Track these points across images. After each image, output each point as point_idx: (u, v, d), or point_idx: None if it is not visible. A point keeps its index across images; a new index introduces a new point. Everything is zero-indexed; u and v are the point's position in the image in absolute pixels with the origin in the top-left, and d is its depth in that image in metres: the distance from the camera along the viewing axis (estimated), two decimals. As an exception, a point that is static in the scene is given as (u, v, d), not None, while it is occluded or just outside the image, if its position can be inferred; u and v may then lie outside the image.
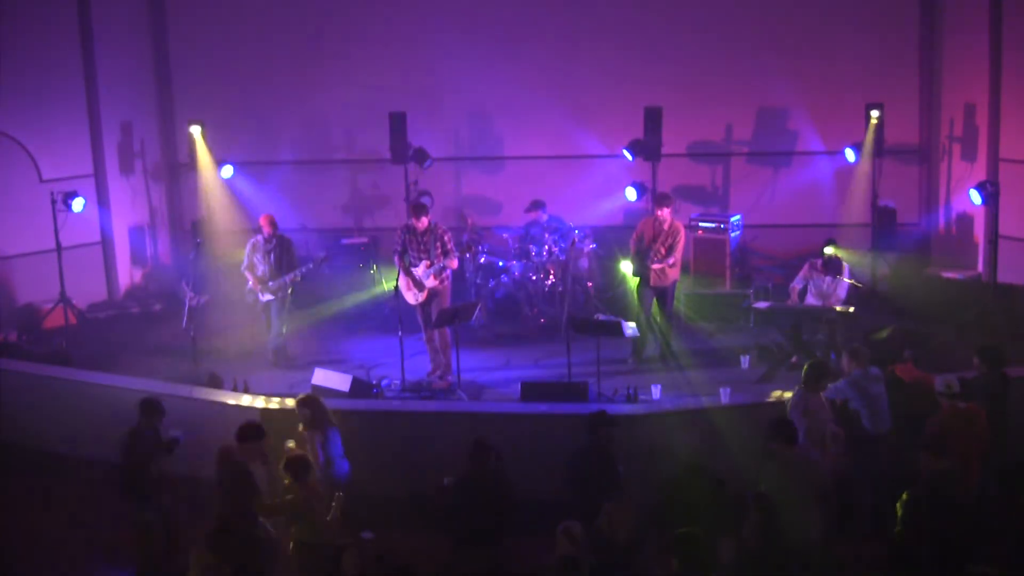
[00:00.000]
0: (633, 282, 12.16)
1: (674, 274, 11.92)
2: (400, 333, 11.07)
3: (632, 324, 11.39)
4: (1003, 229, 12.90)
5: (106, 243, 14.97)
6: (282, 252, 12.20)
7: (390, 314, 12.59)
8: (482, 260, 13.64)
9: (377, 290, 14.32)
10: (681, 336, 12.56)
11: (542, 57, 15.21)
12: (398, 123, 14.43)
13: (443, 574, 8.12)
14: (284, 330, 12.36)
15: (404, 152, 14.54)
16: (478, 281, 13.50)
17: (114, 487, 8.85)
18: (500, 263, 13.55)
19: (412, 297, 11.51)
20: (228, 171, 14.98)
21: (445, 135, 15.59)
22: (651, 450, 8.75)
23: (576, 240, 13.26)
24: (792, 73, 14.73)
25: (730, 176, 15.46)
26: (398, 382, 11.29)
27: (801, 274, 12.05)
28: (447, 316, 11.13)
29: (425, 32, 15.33)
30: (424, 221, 11.39)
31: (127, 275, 15.34)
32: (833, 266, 11.65)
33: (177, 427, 8.79)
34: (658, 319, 12.02)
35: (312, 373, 10.90)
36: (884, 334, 11.24)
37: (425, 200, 13.68)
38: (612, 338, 11.31)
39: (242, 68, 15.54)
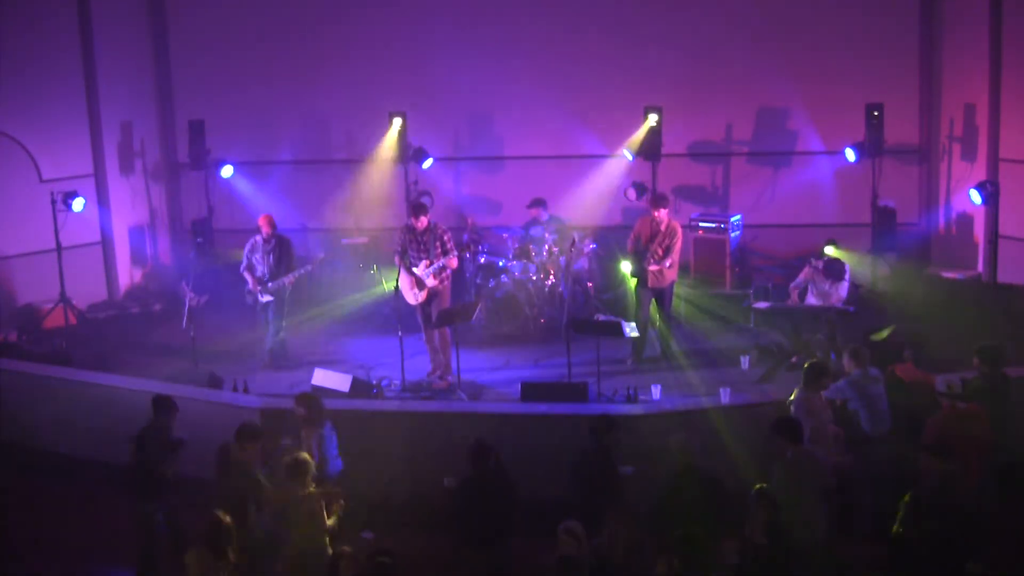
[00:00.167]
0: (633, 282, 12.16)
1: (672, 275, 11.91)
2: (400, 333, 11.07)
3: (632, 324, 11.40)
4: (1003, 229, 12.90)
5: (106, 243, 14.97)
6: (281, 253, 12.19)
7: (390, 314, 12.58)
8: (482, 260, 13.64)
9: (377, 290, 14.31)
10: (681, 336, 12.56)
11: (542, 57, 15.22)
12: (397, 123, 14.43)
13: (444, 575, 8.12)
14: (283, 332, 12.35)
15: (404, 152, 14.53)
16: (478, 281, 13.50)
17: (117, 487, 8.86)
18: (500, 263, 13.55)
19: (412, 297, 11.52)
20: (228, 171, 14.98)
21: (445, 135, 15.59)
22: (650, 450, 8.74)
23: (576, 240, 13.26)
24: (792, 73, 14.73)
25: (730, 176, 15.46)
26: (398, 382, 11.29)
27: (802, 274, 12.05)
28: (447, 316, 11.13)
29: (425, 32, 15.34)
30: (424, 221, 11.39)
31: (127, 275, 15.34)
32: (835, 271, 11.65)
33: (177, 427, 8.79)
34: (657, 320, 12.02)
35: (312, 373, 10.90)
36: (884, 334, 11.23)
37: (425, 200, 13.68)
38: (612, 338, 11.31)
39: (242, 68, 15.55)
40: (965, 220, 14.38)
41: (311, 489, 7.85)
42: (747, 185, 15.33)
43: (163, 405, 8.71)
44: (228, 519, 7.26)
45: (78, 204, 13.60)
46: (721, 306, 13.52)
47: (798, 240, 14.36)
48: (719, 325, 13.05)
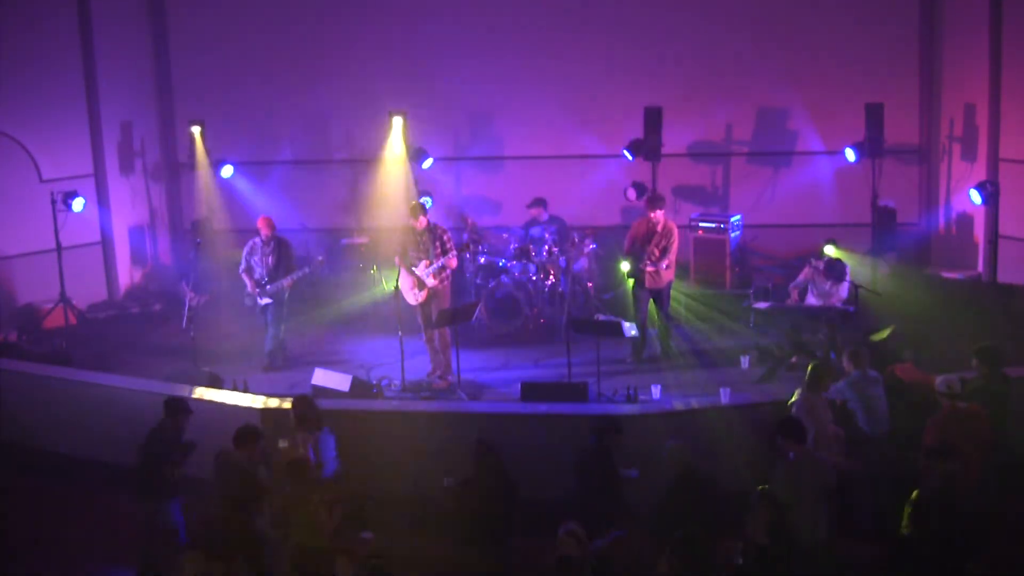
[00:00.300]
0: (630, 283, 12.16)
1: (669, 275, 11.91)
2: (400, 333, 11.07)
3: (632, 324, 11.39)
4: (1003, 229, 12.90)
5: (106, 243, 14.97)
6: (280, 254, 12.17)
7: (390, 314, 12.58)
8: (482, 260, 13.64)
9: (377, 290, 14.31)
10: (681, 336, 12.56)
11: (542, 57, 15.21)
12: (398, 123, 14.44)
13: (445, 575, 8.12)
14: (282, 333, 12.34)
15: (404, 152, 14.52)
16: (478, 281, 13.50)
17: (127, 488, 8.85)
18: (500, 263, 13.55)
19: (412, 297, 11.52)
20: (228, 171, 14.98)
21: (445, 135, 15.59)
22: (649, 451, 8.74)
23: (576, 240, 13.26)
24: (792, 73, 14.74)
25: (730, 176, 15.46)
26: (398, 382, 11.29)
27: (802, 274, 12.05)
28: (447, 316, 11.13)
29: (425, 32, 15.34)
30: (423, 221, 11.39)
31: (127, 275, 15.34)
32: (836, 272, 11.65)
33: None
34: (656, 321, 12.02)
35: (312, 373, 10.90)
36: (884, 334, 11.23)
37: (424, 201, 13.68)
38: (612, 338, 11.31)
39: (242, 68, 15.54)
40: (965, 220, 14.38)
41: (312, 490, 7.85)
42: (747, 185, 15.33)
43: (177, 408, 8.74)
44: (222, 521, 7.24)
45: (78, 204, 13.60)
46: (721, 306, 13.52)
47: (798, 240, 14.36)
48: (719, 325, 13.05)
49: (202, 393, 10.42)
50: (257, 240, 12.26)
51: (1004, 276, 12.84)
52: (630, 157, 14.53)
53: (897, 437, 8.91)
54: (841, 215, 14.67)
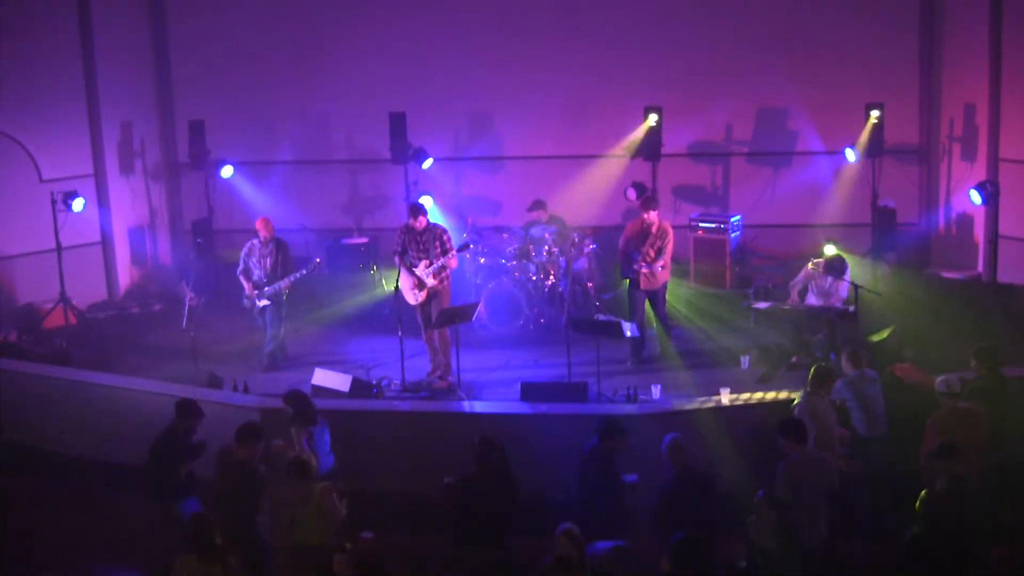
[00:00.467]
0: (625, 283, 12.16)
1: (664, 276, 11.90)
2: (400, 333, 11.07)
3: (632, 324, 11.39)
4: (1003, 229, 12.90)
5: (106, 243, 14.96)
6: (278, 256, 12.16)
7: (390, 314, 12.58)
8: (482, 260, 13.64)
9: (377, 290, 14.32)
10: (681, 336, 12.57)
11: (542, 57, 15.21)
12: (398, 123, 14.42)
13: (445, 574, 8.12)
14: (281, 334, 12.34)
15: (404, 152, 14.54)
16: (478, 281, 13.50)
17: (120, 487, 8.85)
18: (500, 263, 13.55)
19: (412, 297, 11.52)
20: (228, 171, 14.98)
21: (445, 135, 15.59)
22: (649, 450, 8.75)
23: (576, 240, 13.26)
24: (792, 73, 14.73)
25: (730, 176, 15.46)
26: (398, 382, 11.29)
27: (802, 273, 12.05)
28: (447, 316, 11.13)
29: (425, 32, 15.35)
30: (423, 221, 11.40)
31: (127, 275, 15.34)
32: (836, 267, 11.65)
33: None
34: (653, 322, 12.01)
35: (312, 373, 10.90)
36: (884, 334, 11.24)
37: (424, 203, 13.68)
38: (612, 338, 11.31)
39: (242, 68, 15.55)
40: (965, 220, 14.38)
41: (317, 486, 7.84)
42: (747, 185, 15.33)
43: (189, 410, 8.78)
44: (223, 518, 7.22)
45: (78, 204, 13.58)
46: (721, 306, 13.52)
47: (798, 240, 14.36)
48: (719, 325, 13.05)
49: (202, 393, 10.41)
50: (255, 241, 12.25)
51: (1004, 276, 12.84)
52: (630, 157, 14.52)
53: (897, 437, 8.91)
54: (841, 215, 14.66)
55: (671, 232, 11.89)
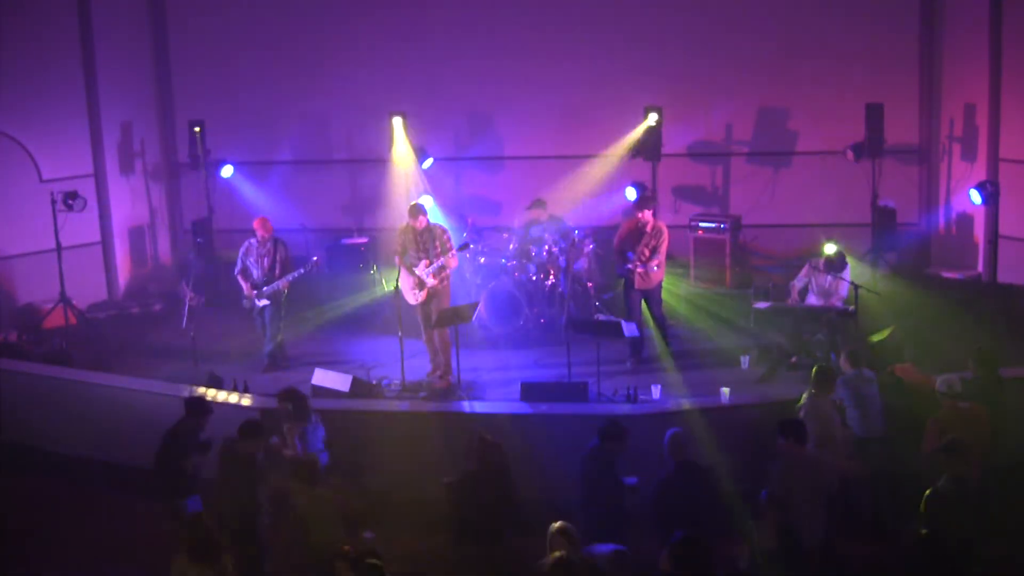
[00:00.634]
0: (621, 283, 12.16)
1: (659, 276, 11.88)
2: (400, 333, 11.07)
3: (632, 324, 11.39)
4: (1003, 229, 12.90)
5: (106, 243, 14.97)
6: (276, 256, 12.16)
7: (390, 314, 12.58)
8: (482, 260, 13.64)
9: (377, 290, 14.31)
10: (681, 336, 12.56)
11: (542, 57, 15.21)
12: (398, 123, 14.43)
13: (444, 574, 8.12)
14: (280, 335, 12.33)
15: (404, 152, 14.53)
16: (478, 281, 13.50)
17: (120, 487, 8.84)
18: (500, 263, 13.55)
19: (412, 297, 11.52)
20: (228, 171, 14.98)
21: (445, 135, 15.59)
22: (649, 450, 8.75)
23: (576, 240, 13.26)
24: (792, 73, 14.74)
25: (730, 176, 15.46)
26: (398, 382, 11.29)
27: (802, 273, 12.05)
28: (447, 316, 11.13)
29: (425, 32, 15.35)
30: (423, 221, 11.40)
31: (127, 275, 15.35)
32: (836, 264, 11.65)
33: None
34: (650, 322, 12.01)
35: (312, 373, 10.90)
36: (884, 334, 11.23)
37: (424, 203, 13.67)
38: (611, 338, 11.30)
39: (242, 68, 15.56)
40: (965, 220, 14.38)
41: (328, 490, 7.83)
42: (747, 185, 15.33)
43: (199, 408, 8.81)
44: (214, 518, 7.19)
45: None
46: (721, 306, 13.52)
47: (798, 240, 14.36)
48: (719, 325, 13.05)
49: (202, 393, 10.41)
50: (253, 241, 12.24)
51: (1004, 276, 12.83)
52: (630, 157, 14.53)
53: (897, 437, 8.91)
54: (841, 215, 14.66)
55: (666, 231, 11.88)
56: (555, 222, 14.00)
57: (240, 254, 12.26)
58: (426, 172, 14.96)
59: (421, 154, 14.72)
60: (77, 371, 11.40)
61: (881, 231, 13.96)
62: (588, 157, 15.31)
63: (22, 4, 13.88)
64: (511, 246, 13.71)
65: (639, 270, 11.69)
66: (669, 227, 12.10)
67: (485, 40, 15.32)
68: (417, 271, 11.38)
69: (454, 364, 11.25)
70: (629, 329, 11.17)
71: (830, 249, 11.78)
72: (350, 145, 15.88)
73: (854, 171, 14.27)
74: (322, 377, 10.73)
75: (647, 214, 11.79)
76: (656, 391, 10.63)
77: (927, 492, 7.03)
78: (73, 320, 13.67)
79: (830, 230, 13.41)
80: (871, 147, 13.75)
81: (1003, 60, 13.44)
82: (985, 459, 8.10)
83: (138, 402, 10.43)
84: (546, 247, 13.39)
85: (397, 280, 11.33)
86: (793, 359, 11.43)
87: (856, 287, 11.30)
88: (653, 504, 7.79)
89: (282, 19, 15.56)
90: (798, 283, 12.05)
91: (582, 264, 13.55)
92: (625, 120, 14.58)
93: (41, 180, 14.15)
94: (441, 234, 11.44)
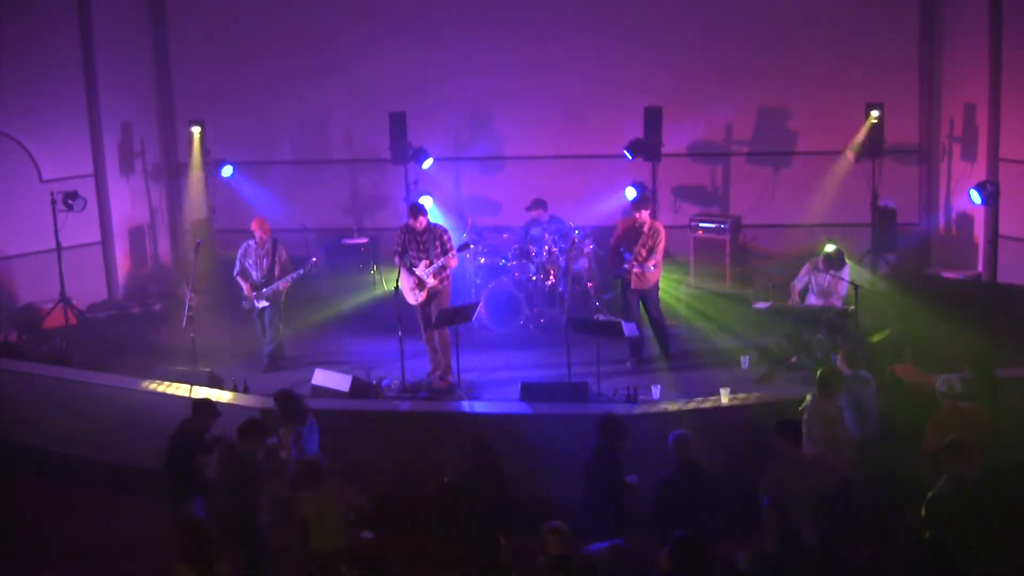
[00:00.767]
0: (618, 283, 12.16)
1: (655, 276, 11.89)
2: (400, 333, 11.07)
3: (632, 324, 11.39)
4: (1003, 229, 12.89)
5: (106, 243, 14.97)
6: (276, 257, 12.16)
7: (390, 314, 12.57)
8: (482, 260, 13.64)
9: (377, 290, 14.31)
10: (681, 336, 12.56)
11: (542, 57, 15.21)
12: (398, 123, 14.42)
13: (442, 573, 8.12)
14: (280, 336, 12.33)
15: (404, 152, 14.54)
16: (478, 281, 13.50)
17: (120, 486, 8.83)
18: (500, 263, 13.55)
19: (412, 297, 11.52)
20: (228, 171, 14.98)
21: (445, 135, 15.59)
22: (650, 450, 8.74)
23: (576, 240, 13.25)
24: (792, 73, 14.73)
25: (730, 176, 15.45)
26: (398, 382, 11.29)
27: (802, 273, 12.05)
28: (447, 316, 11.13)
29: (425, 32, 15.34)
30: (422, 221, 11.40)
31: (127, 275, 15.34)
32: (835, 261, 11.66)
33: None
34: (648, 322, 12.01)
35: (312, 373, 10.90)
36: (883, 334, 11.24)
37: (424, 203, 13.67)
38: (611, 339, 11.30)
39: (242, 68, 15.55)
40: (965, 220, 14.37)
41: (334, 491, 7.82)
42: (747, 185, 15.32)
43: (206, 409, 8.80)
44: (205, 528, 7.15)
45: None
46: (721, 306, 13.52)
47: (798, 240, 14.35)
48: (719, 325, 13.05)
49: (202, 393, 10.40)
50: (251, 242, 12.23)
51: (1004, 276, 12.82)
52: (630, 157, 14.52)
53: (897, 437, 8.90)
54: (841, 215, 14.64)
55: (663, 231, 11.89)
56: (555, 222, 14.01)
57: (239, 255, 12.26)
58: (426, 172, 14.96)
59: (421, 155, 14.69)
60: (77, 371, 11.40)
61: (881, 231, 13.94)
62: (588, 157, 15.31)
63: (22, 4, 13.88)
64: (511, 247, 13.69)
65: (636, 270, 11.69)
66: (669, 227, 12.12)
67: (485, 40, 15.31)
68: (417, 271, 11.38)
69: (454, 364, 11.25)
70: (629, 329, 11.17)
71: (830, 248, 11.78)
72: (350, 145, 15.88)
73: (854, 171, 14.27)
74: (322, 377, 10.73)
75: (644, 214, 11.80)
76: (656, 391, 10.63)
77: (928, 494, 7.02)
78: (73, 320, 13.68)
79: (830, 230, 13.45)
80: (871, 147, 13.75)
81: (1003, 60, 13.43)
82: (985, 459, 8.11)
83: (138, 402, 10.43)
84: (546, 247, 13.39)
85: (397, 280, 11.33)
86: (793, 359, 11.43)
87: (856, 287, 11.30)
88: (654, 503, 7.79)
89: (282, 19, 15.55)
90: (798, 283, 12.04)
91: (582, 264, 13.55)
92: (625, 120, 14.55)
93: (41, 180, 14.15)
94: (441, 234, 11.44)
